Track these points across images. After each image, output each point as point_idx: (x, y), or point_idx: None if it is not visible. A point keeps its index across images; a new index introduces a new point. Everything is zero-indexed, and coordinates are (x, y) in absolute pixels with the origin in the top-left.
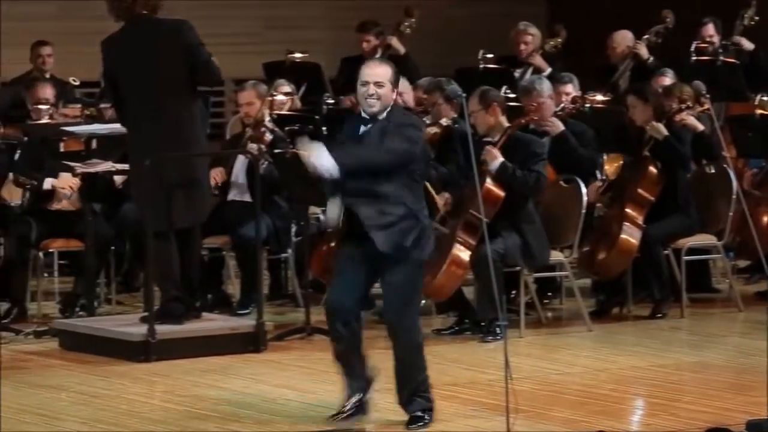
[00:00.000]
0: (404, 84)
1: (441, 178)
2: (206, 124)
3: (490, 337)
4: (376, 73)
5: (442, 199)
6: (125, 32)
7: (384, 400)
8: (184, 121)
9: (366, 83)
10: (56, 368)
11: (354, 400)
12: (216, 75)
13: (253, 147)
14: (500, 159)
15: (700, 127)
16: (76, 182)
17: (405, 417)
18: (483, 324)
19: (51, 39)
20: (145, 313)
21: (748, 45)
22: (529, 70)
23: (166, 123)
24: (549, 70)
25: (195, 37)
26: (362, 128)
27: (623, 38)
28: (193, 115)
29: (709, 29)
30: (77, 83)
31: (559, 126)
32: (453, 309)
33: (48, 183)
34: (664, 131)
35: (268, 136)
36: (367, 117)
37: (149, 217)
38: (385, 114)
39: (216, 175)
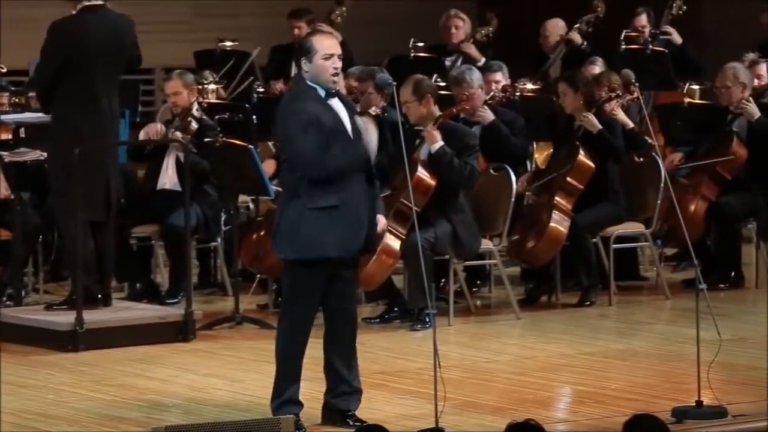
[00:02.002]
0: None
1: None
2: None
3: (419, 326)
4: (337, 45)
5: None
6: (79, 17)
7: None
8: (115, 110)
9: (331, 56)
10: None
11: None
12: (140, 62)
13: (178, 135)
14: (440, 142)
15: (630, 124)
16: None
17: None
18: (412, 312)
19: None
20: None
21: (677, 38)
22: (460, 59)
23: (104, 111)
24: (482, 60)
25: (135, 36)
26: (334, 101)
27: (555, 26)
28: (118, 105)
29: (642, 20)
30: (4, 70)
31: (490, 116)
32: (382, 297)
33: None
34: (598, 125)
35: (194, 126)
36: (326, 93)
37: (82, 205)
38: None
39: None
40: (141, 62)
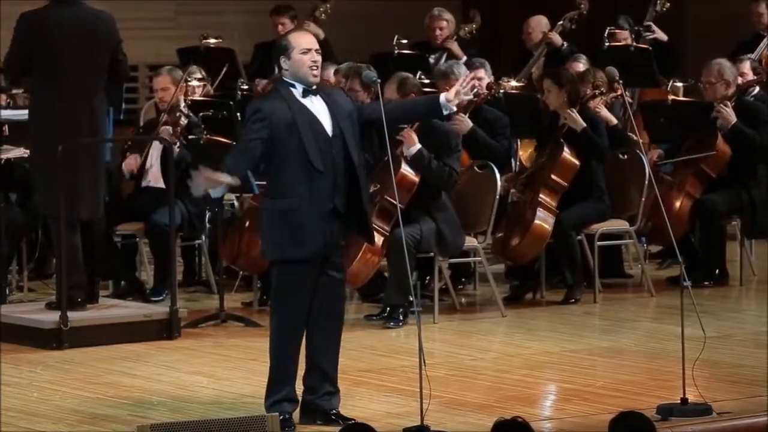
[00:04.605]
0: (328, 71)
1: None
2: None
3: (392, 323)
4: (314, 40)
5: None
6: (49, 10)
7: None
8: (97, 109)
9: (308, 50)
10: None
11: None
12: (127, 73)
13: (166, 130)
14: (418, 145)
15: (614, 120)
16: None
17: None
18: (388, 309)
19: None
20: (51, 300)
21: (662, 35)
22: (444, 56)
23: (80, 109)
24: (464, 58)
25: (118, 34)
26: (312, 99)
27: (538, 23)
28: (104, 103)
29: (624, 34)
30: None
31: (468, 123)
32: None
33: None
34: (582, 123)
35: (183, 121)
36: (306, 88)
37: (62, 203)
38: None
39: (130, 162)
40: (128, 74)
